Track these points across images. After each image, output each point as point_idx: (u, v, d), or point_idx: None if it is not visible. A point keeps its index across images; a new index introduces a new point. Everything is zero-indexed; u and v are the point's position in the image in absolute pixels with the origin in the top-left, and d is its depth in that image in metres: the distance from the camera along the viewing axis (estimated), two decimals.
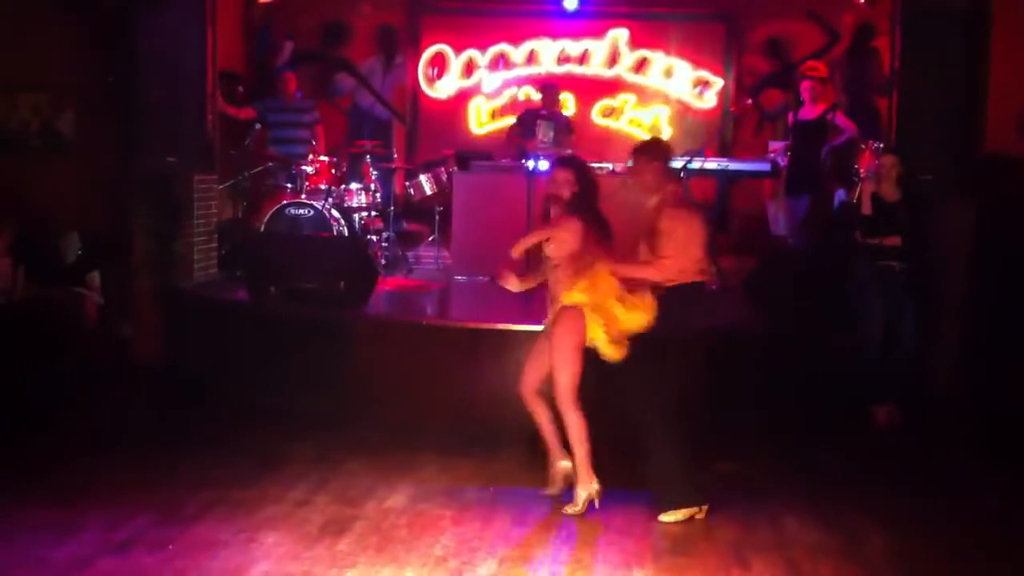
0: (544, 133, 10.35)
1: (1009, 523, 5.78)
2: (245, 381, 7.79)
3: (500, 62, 12.65)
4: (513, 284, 5.86)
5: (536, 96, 12.10)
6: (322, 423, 7.16)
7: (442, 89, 12.77)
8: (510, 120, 11.97)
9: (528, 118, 10.79)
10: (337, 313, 7.88)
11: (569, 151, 10.28)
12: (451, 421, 7.15)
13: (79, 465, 6.28)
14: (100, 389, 8.06)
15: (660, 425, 5.58)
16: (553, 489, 5.89)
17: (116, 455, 6.52)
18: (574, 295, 5.62)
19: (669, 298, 5.65)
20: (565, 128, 10.74)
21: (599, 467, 5.67)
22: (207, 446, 6.70)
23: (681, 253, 5.61)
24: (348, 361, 7.64)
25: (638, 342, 5.63)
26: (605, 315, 5.60)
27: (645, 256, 5.73)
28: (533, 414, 5.84)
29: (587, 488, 5.65)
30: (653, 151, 5.91)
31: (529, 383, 5.83)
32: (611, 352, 5.62)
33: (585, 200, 5.75)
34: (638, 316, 5.62)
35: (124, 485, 5.89)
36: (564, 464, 5.86)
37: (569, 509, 5.63)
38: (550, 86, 11.20)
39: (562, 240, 5.66)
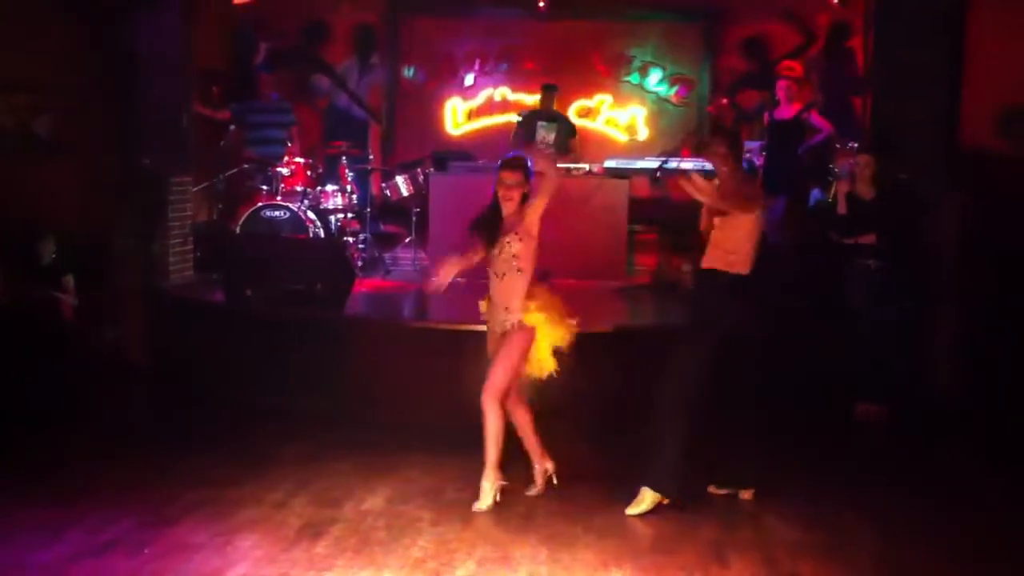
0: (544, 135, 10.28)
1: (1009, 523, 5.77)
2: (243, 382, 7.75)
3: (477, 62, 12.63)
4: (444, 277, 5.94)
5: (512, 96, 12.04)
6: (320, 423, 7.16)
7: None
8: (487, 121, 11.92)
9: (529, 120, 10.64)
10: (336, 314, 7.86)
11: (574, 154, 10.29)
12: (447, 421, 7.06)
13: (79, 466, 6.25)
14: (96, 391, 7.99)
15: (670, 409, 5.57)
16: (535, 490, 5.90)
17: (116, 456, 6.50)
18: (534, 315, 5.63)
19: (711, 284, 5.69)
20: (568, 130, 10.63)
21: (585, 466, 5.63)
22: (206, 447, 6.68)
23: (742, 241, 5.64)
24: (347, 362, 7.63)
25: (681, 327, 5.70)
26: (551, 332, 5.65)
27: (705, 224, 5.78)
28: (512, 418, 5.81)
29: (494, 484, 5.67)
30: (731, 142, 5.88)
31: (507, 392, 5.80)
32: (539, 369, 5.69)
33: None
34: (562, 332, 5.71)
35: (123, 486, 5.87)
36: (547, 466, 5.91)
37: (477, 504, 5.64)
38: (550, 87, 10.84)
39: (531, 241, 5.65)
